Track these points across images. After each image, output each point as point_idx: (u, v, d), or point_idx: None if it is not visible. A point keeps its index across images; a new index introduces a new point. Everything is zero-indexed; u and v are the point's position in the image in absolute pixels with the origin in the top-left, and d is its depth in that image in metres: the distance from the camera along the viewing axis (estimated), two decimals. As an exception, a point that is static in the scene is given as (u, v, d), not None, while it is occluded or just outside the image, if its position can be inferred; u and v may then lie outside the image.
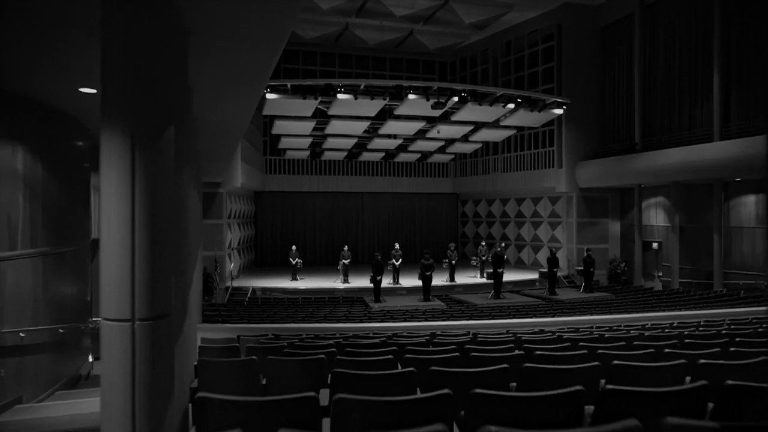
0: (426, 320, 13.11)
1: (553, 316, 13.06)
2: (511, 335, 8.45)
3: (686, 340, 6.49)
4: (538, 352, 5.26)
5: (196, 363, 7.15)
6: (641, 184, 21.91)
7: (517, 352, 5.51)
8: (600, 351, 5.30)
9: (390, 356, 5.13)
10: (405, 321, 12.76)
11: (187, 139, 7.05)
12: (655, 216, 22.11)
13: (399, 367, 6.03)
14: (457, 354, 5.27)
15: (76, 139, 9.82)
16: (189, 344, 5.54)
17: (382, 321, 12.84)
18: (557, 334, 8.43)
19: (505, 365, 4.07)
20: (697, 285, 19.69)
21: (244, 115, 9.91)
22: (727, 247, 19.08)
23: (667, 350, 5.36)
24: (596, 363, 4.17)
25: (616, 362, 4.13)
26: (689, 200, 20.53)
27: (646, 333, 7.60)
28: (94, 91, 7.34)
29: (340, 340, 8.06)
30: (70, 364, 9.48)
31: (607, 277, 22.80)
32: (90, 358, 10.73)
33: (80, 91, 7.40)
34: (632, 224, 22.91)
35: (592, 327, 10.23)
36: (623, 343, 6.53)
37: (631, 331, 8.55)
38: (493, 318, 12.84)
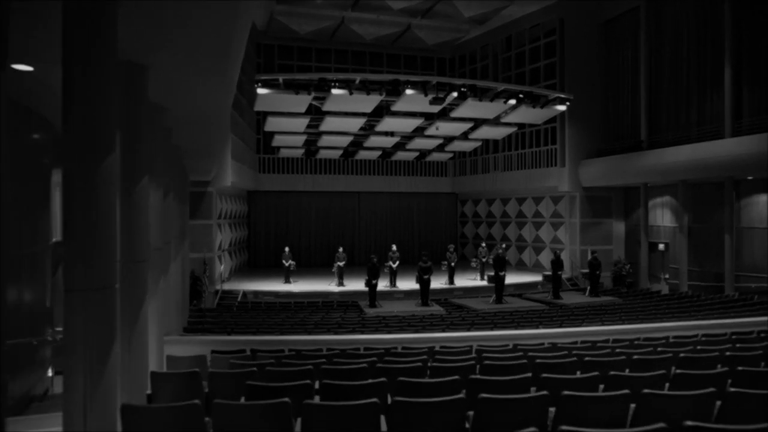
0: (424, 329, 11.84)
1: (561, 325, 11.77)
2: (521, 353, 7.17)
3: (739, 368, 5.21)
4: (566, 393, 3.98)
5: (149, 393, 5.88)
6: (647, 183, 20.62)
7: (538, 392, 4.23)
8: (647, 391, 4.01)
9: (375, 399, 3.85)
10: (401, 331, 11.48)
11: (133, 127, 5.78)
12: (662, 216, 20.83)
13: (388, 400, 4.77)
14: (462, 396, 3.98)
15: (32, 132, 8.53)
16: (116, 380, 4.23)
17: (376, 330, 11.57)
18: (574, 351, 7.16)
19: (533, 429, 2.79)
20: (706, 288, 18.41)
21: (219, 102, 8.64)
22: (738, 248, 17.81)
23: (732, 389, 4.07)
24: (661, 425, 2.89)
25: (689, 424, 2.85)
26: (697, 200, 19.26)
27: (681, 354, 6.32)
28: (30, 68, 6.06)
29: (324, 360, 6.79)
30: (21, 382, 8.19)
31: (612, 279, 21.51)
32: (49, 373, 9.43)
33: (14, 69, 6.12)
34: (637, 225, 21.62)
35: (608, 340, 8.96)
36: (662, 371, 5.26)
37: (659, 349, 7.27)
38: (496, 327, 11.56)
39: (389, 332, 11.20)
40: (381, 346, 8.74)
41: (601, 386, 5.14)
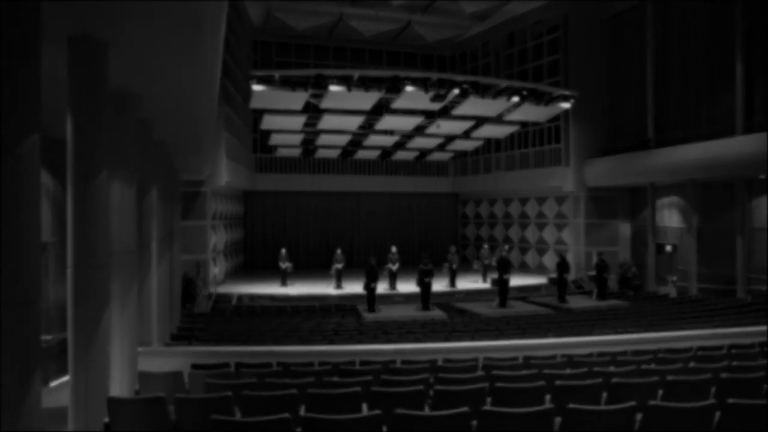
0: (425, 336, 10.95)
1: (571, 332, 10.87)
2: (535, 370, 6.27)
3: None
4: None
5: (106, 421, 4.98)
6: (654, 182, 19.70)
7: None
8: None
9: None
10: (401, 339, 10.60)
11: (89, 112, 4.90)
12: (669, 217, 19.90)
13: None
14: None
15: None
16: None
17: (375, 339, 10.68)
18: (596, 369, 6.25)
19: None
20: (716, 291, 17.50)
21: (202, 90, 7.73)
22: (750, 250, 16.89)
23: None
24: None
25: None
26: (706, 200, 18.34)
27: (721, 374, 5.43)
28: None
29: (312, 380, 5.90)
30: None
31: (618, 281, 20.56)
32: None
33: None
34: (644, 225, 20.70)
35: (626, 352, 8.05)
36: (712, 401, 4.36)
37: (691, 365, 6.37)
38: (503, 335, 10.65)
39: (388, 341, 10.33)
40: (378, 358, 7.84)
41: (639, 416, 4.26)
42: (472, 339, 10.16)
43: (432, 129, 19.87)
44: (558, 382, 5.22)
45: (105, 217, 5.16)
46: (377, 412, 4.02)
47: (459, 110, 17.86)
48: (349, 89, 15.64)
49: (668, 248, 19.80)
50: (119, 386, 6.70)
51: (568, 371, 6.50)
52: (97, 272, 5.04)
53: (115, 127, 6.65)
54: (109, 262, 5.21)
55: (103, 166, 5.12)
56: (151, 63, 5.89)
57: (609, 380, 5.35)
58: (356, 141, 21.69)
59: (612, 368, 6.80)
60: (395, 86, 15.95)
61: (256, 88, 15.42)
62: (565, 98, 17.86)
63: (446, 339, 10.31)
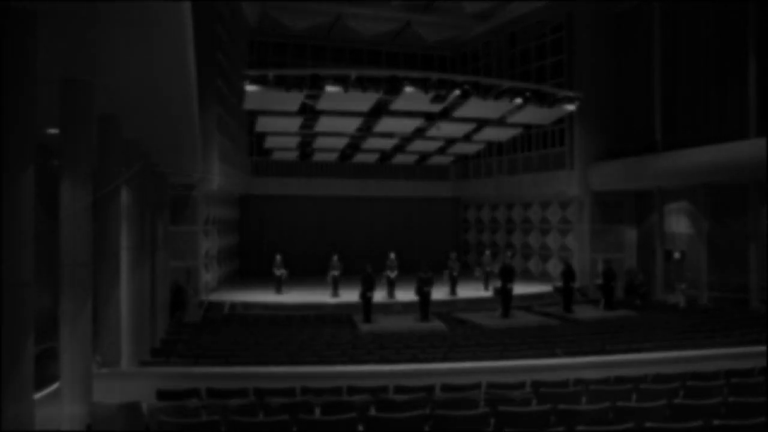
0: (423, 351, 9.92)
1: (581, 348, 9.84)
2: (548, 406, 5.25)
3: None
4: None
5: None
6: (662, 186, 18.66)
7: None
8: None
9: None
10: (396, 354, 9.60)
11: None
12: (677, 222, 18.85)
13: None
14: None
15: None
16: None
17: (368, 355, 9.65)
18: (618, 403, 5.22)
19: None
20: (728, 300, 16.45)
21: (169, 80, 6.75)
22: (763, 257, 15.85)
23: None
24: None
25: None
26: (717, 204, 17.31)
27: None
28: None
29: (286, 418, 4.90)
30: None
31: (624, 289, 19.48)
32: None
33: None
34: (651, 231, 19.65)
35: (647, 377, 7.03)
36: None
37: (730, 400, 5.35)
38: (507, 352, 9.63)
39: (382, 358, 9.32)
40: (369, 383, 6.85)
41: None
42: (474, 357, 9.15)
43: (432, 132, 18.87)
44: (580, 428, 4.22)
45: (28, 224, 4.18)
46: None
47: (460, 112, 16.88)
48: (346, 90, 14.67)
49: (677, 255, 18.74)
50: (69, 421, 5.72)
51: (585, 405, 5.50)
52: (18, 290, 4.07)
53: (66, 120, 5.71)
54: (31, 278, 4.22)
55: (27, 163, 4.14)
56: (94, 40, 4.91)
57: (641, 424, 4.34)
58: (354, 144, 20.70)
59: (635, 400, 5.81)
60: (394, 87, 14.98)
61: (250, 88, 14.49)
62: (570, 100, 16.86)
63: (446, 356, 9.30)
